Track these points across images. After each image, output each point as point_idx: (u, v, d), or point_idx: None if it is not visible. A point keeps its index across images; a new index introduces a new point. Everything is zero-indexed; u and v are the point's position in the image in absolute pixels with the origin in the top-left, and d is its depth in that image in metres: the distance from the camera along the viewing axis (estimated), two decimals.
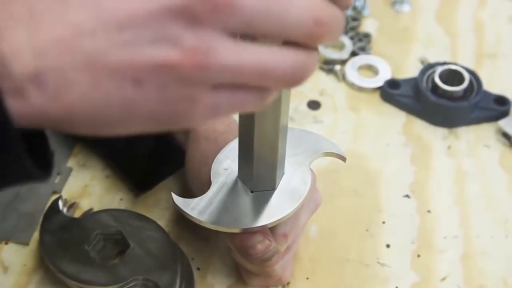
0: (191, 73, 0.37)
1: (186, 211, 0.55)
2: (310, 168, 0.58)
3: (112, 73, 0.36)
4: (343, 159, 0.60)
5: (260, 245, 0.56)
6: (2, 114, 0.35)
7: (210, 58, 0.37)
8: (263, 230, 0.56)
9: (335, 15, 0.40)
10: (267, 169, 0.55)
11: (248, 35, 0.38)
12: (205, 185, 0.57)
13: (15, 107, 0.36)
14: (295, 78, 0.39)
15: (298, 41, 0.39)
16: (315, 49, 0.40)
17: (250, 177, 0.56)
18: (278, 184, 0.57)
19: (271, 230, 0.57)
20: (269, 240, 0.56)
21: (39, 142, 0.40)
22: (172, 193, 0.56)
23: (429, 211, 0.71)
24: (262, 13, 0.37)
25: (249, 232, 0.55)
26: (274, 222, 0.55)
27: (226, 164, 0.58)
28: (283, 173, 0.57)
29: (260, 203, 0.56)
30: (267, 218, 0.55)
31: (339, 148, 0.60)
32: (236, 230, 0.55)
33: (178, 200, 0.56)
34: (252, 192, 0.56)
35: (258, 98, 0.40)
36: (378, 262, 0.67)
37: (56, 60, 0.36)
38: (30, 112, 0.36)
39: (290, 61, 0.39)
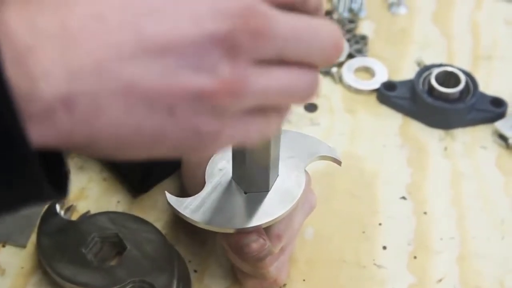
0: (224, 102, 0.37)
1: (179, 210, 0.55)
2: (305, 171, 0.59)
3: (147, 100, 0.35)
4: (339, 163, 0.60)
5: (255, 244, 0.56)
6: (21, 141, 0.33)
7: (243, 87, 0.37)
8: (257, 229, 0.56)
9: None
10: (260, 171, 0.55)
11: (276, 60, 0.39)
12: (200, 186, 0.58)
13: (39, 130, 0.34)
14: (311, 94, 0.41)
15: (316, 64, 0.41)
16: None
17: (243, 178, 0.56)
18: (272, 186, 0.57)
19: (265, 231, 0.57)
20: (263, 239, 0.56)
21: (56, 159, 0.38)
22: (166, 192, 0.56)
23: (425, 213, 0.71)
24: (294, 41, 0.39)
25: (244, 232, 0.56)
26: (268, 223, 0.55)
27: (221, 165, 0.58)
28: (277, 175, 0.57)
29: (253, 204, 0.56)
30: (260, 218, 0.55)
31: (334, 151, 0.61)
32: (229, 230, 0.56)
33: (172, 199, 0.56)
34: (245, 193, 0.57)
35: (275, 120, 0.41)
36: (375, 264, 0.67)
37: (91, 84, 0.34)
38: (54, 136, 0.35)
39: (307, 79, 0.41)
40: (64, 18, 0.34)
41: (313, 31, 0.40)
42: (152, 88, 0.35)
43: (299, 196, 0.57)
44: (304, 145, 0.60)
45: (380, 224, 0.70)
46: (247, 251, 0.56)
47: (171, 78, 0.35)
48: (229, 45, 0.36)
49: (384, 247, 0.68)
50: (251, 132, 0.40)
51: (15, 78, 0.33)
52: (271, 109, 0.41)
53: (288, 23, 0.38)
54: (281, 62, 0.39)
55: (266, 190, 0.56)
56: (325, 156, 0.60)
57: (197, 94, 0.36)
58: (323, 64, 0.42)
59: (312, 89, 0.41)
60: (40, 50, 0.33)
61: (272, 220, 0.56)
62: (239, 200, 0.56)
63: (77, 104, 0.34)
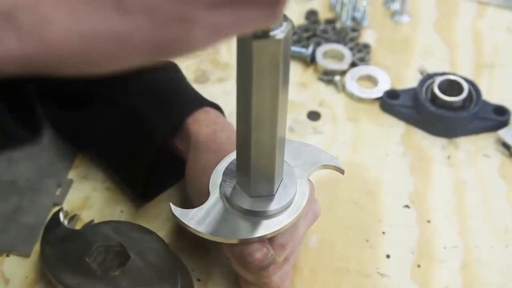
0: None
1: (184, 221, 0.55)
2: (309, 179, 0.59)
3: (89, 1, 0.34)
4: (341, 171, 0.61)
5: (258, 253, 0.56)
6: None
7: None
8: (261, 239, 0.56)
9: None
10: (265, 179, 0.55)
11: None
12: (204, 196, 0.58)
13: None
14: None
15: None
16: None
17: (247, 184, 0.56)
18: (277, 190, 0.57)
19: (269, 240, 0.57)
20: (267, 248, 0.56)
21: (26, 106, 0.37)
22: (170, 204, 0.56)
23: (428, 221, 0.71)
24: None
25: (248, 242, 0.56)
26: (272, 233, 0.56)
27: (224, 176, 0.58)
28: (282, 178, 0.57)
29: (258, 214, 0.56)
30: (264, 229, 0.55)
31: (337, 160, 0.61)
32: (233, 241, 0.56)
33: (176, 210, 0.56)
34: (250, 197, 0.57)
35: (265, 12, 0.37)
36: (378, 273, 0.67)
37: None
38: (6, 55, 0.34)
39: None
40: None
41: None
42: None
43: (303, 206, 0.57)
44: (307, 154, 0.60)
45: (383, 232, 0.70)
46: (250, 260, 0.56)
47: None
48: None
49: (388, 256, 0.68)
50: (231, 25, 0.36)
51: None
52: (254, 3, 0.37)
53: None
54: None
55: (271, 194, 0.56)
56: (328, 165, 0.60)
57: None
58: None
59: None
60: None
61: (276, 231, 0.56)
62: (243, 210, 0.56)
63: (19, 18, 0.33)
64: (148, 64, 0.37)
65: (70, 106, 0.70)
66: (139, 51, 0.35)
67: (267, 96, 0.49)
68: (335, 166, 0.60)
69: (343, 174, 0.61)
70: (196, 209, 0.56)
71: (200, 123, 0.65)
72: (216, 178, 0.58)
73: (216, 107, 0.68)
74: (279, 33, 0.45)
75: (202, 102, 0.67)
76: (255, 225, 0.55)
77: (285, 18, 0.46)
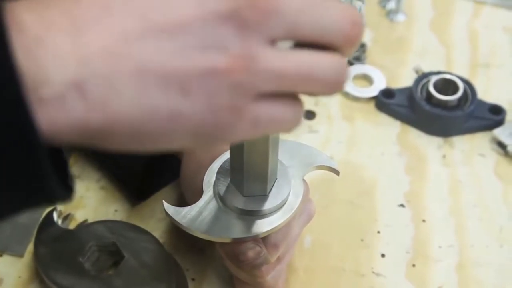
0: (239, 78, 0.36)
1: (177, 219, 0.55)
2: (304, 180, 0.58)
3: (160, 81, 0.35)
4: (337, 172, 0.60)
5: (251, 252, 0.56)
6: (29, 126, 0.33)
7: (257, 63, 0.37)
8: (254, 238, 0.56)
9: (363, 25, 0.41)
10: (258, 178, 0.55)
11: (290, 39, 0.39)
12: (198, 195, 0.57)
13: (50, 116, 0.34)
14: (337, 82, 0.40)
15: (336, 45, 0.40)
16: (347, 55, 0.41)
17: (241, 183, 0.56)
18: (270, 189, 0.56)
19: (262, 240, 0.57)
20: (260, 247, 0.56)
21: (60, 163, 0.37)
22: (163, 201, 0.56)
23: (424, 221, 0.71)
24: (305, 16, 0.38)
25: (241, 241, 0.56)
26: (265, 232, 0.55)
27: (218, 174, 0.58)
28: (276, 178, 0.57)
29: (251, 213, 0.56)
30: (257, 228, 0.55)
31: (332, 161, 0.60)
32: (226, 240, 0.56)
33: (169, 208, 0.56)
34: (243, 196, 0.56)
35: (296, 111, 0.40)
36: (373, 272, 0.67)
37: (101, 68, 0.34)
38: (68, 123, 0.35)
39: (330, 64, 0.39)
40: (71, 9, 0.35)
41: (324, 6, 0.39)
42: (163, 67, 0.35)
43: (296, 206, 0.57)
44: (302, 154, 0.60)
45: (378, 232, 0.70)
46: (243, 259, 0.56)
47: (181, 57, 0.35)
48: (236, 22, 0.36)
49: (383, 255, 0.68)
50: (271, 118, 0.39)
51: (25, 65, 0.33)
52: (292, 97, 0.39)
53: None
54: (299, 45, 0.39)
55: (265, 193, 0.56)
56: (323, 166, 0.60)
57: (209, 71, 0.36)
58: (344, 45, 0.40)
59: (340, 74, 0.40)
60: (50, 39, 0.34)
61: (269, 230, 0.55)
62: (237, 209, 0.56)
63: (89, 88, 0.34)
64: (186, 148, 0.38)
65: None
66: (186, 132, 0.37)
67: None
68: (330, 167, 0.60)
69: (338, 176, 0.60)
70: (189, 207, 0.56)
71: None
72: (210, 176, 0.58)
73: None
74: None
75: None
76: (248, 224, 0.55)
77: None
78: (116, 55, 0.35)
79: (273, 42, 0.38)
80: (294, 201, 0.57)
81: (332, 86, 0.40)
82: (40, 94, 0.33)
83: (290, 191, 0.57)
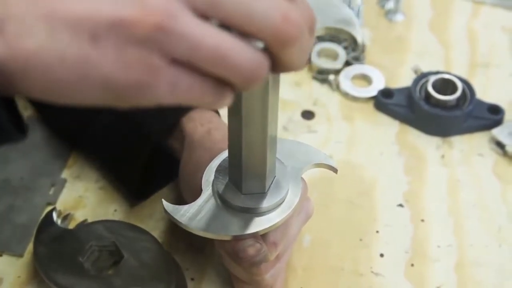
0: (147, 33, 0.36)
1: (176, 217, 0.55)
2: (302, 178, 0.59)
3: (69, 25, 0.36)
4: (335, 170, 0.60)
5: (251, 249, 0.56)
6: None
7: (169, 22, 0.36)
8: (253, 235, 0.56)
9: (303, 24, 0.39)
10: (256, 176, 0.55)
11: (213, 16, 0.38)
12: (197, 193, 0.58)
13: None
14: (251, 75, 0.38)
15: (263, 38, 0.38)
16: (278, 57, 0.39)
17: (239, 181, 0.56)
18: (269, 187, 0.57)
19: (261, 238, 0.57)
20: (260, 244, 0.56)
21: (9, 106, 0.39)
22: (162, 200, 0.56)
23: (423, 220, 0.71)
24: None
25: (240, 239, 0.56)
26: (263, 230, 0.55)
27: (217, 172, 0.58)
28: (274, 176, 0.57)
29: (250, 211, 0.56)
30: (256, 226, 0.55)
31: (331, 160, 0.61)
32: (226, 238, 0.56)
33: (168, 206, 0.56)
34: (242, 194, 0.56)
35: (217, 92, 0.39)
36: (372, 272, 0.67)
37: (17, 9, 0.36)
38: None
39: (250, 54, 0.38)
40: None
41: None
42: (75, 13, 0.36)
43: (295, 204, 0.57)
44: (300, 153, 0.60)
45: (377, 231, 0.70)
46: (242, 256, 0.56)
47: (93, 5, 0.36)
48: None
49: (382, 255, 0.68)
50: (189, 88, 0.38)
51: None
52: (210, 78, 0.38)
53: None
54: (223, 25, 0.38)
55: (263, 191, 0.56)
56: (321, 164, 0.60)
57: (118, 22, 0.36)
58: (273, 41, 0.38)
59: (256, 68, 0.38)
60: None
61: (268, 228, 0.56)
62: (235, 206, 0.56)
63: (6, 27, 0.36)
64: (110, 106, 0.38)
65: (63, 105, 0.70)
66: (97, 84, 0.37)
67: (257, 93, 0.49)
68: (328, 165, 0.60)
69: (337, 173, 0.61)
70: (188, 205, 0.56)
71: (195, 122, 0.65)
72: (209, 175, 0.58)
73: None
74: None
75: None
76: (247, 222, 0.55)
77: None
78: None
79: (195, 12, 0.37)
80: (292, 199, 0.57)
81: (245, 77, 0.38)
82: None
83: (288, 189, 0.57)
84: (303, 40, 0.39)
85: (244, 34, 0.38)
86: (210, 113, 0.66)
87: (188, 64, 0.38)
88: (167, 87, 0.37)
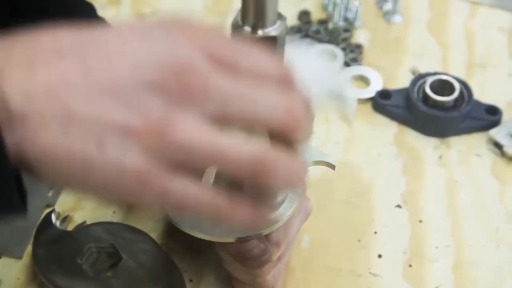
0: (150, 142, 0.39)
1: (179, 223, 0.55)
2: None
3: (81, 127, 0.39)
4: (332, 167, 0.60)
5: (257, 249, 0.56)
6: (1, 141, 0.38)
7: (170, 132, 0.39)
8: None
9: (304, 114, 0.42)
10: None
11: (223, 120, 0.40)
12: None
13: (7, 138, 0.38)
14: (255, 171, 0.40)
15: (274, 130, 0.41)
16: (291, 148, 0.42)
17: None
18: None
19: (265, 238, 0.57)
20: (264, 244, 0.56)
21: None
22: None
23: (420, 221, 0.72)
24: (235, 99, 0.40)
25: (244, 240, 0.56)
26: (267, 230, 0.55)
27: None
28: None
29: None
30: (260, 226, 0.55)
31: (327, 156, 0.60)
32: (230, 240, 0.56)
33: (171, 212, 0.56)
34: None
35: (213, 200, 0.41)
36: (370, 273, 0.67)
37: (40, 105, 0.38)
38: (15, 146, 0.38)
39: (250, 151, 0.40)
40: (32, 52, 0.39)
41: (259, 91, 0.41)
42: (86, 115, 0.39)
43: (297, 202, 0.56)
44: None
45: (375, 232, 0.70)
46: (248, 257, 0.56)
47: (104, 111, 0.39)
48: (164, 92, 0.39)
49: (380, 256, 0.69)
50: (182, 195, 0.40)
51: None
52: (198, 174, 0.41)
53: (228, 83, 0.40)
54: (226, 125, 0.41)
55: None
56: (319, 161, 0.60)
57: (125, 130, 0.39)
58: (281, 131, 0.41)
59: (256, 163, 0.40)
60: (10, 74, 0.39)
61: (271, 228, 0.55)
62: None
63: (28, 120, 0.38)
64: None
65: None
66: (100, 184, 0.40)
67: None
68: (326, 162, 0.60)
69: (334, 170, 0.61)
70: None
71: None
72: (209, 177, 0.58)
73: None
74: (272, 30, 0.45)
75: None
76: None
77: (280, 17, 0.46)
78: (53, 97, 0.39)
79: (208, 118, 0.40)
80: (293, 198, 0.57)
81: (248, 173, 0.40)
82: (1, 114, 0.38)
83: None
84: (304, 125, 0.42)
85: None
86: None
87: (185, 173, 0.40)
88: (158, 193, 0.40)
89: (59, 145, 0.39)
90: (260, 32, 0.46)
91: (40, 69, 0.39)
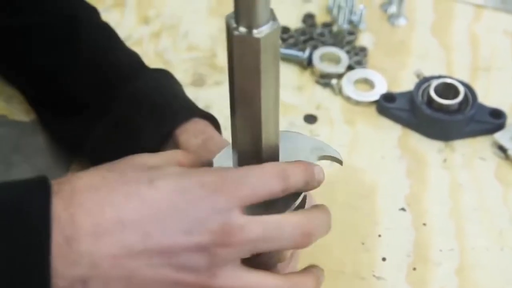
0: None
1: None
2: None
3: (141, 286, 0.45)
4: (340, 162, 0.59)
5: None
6: None
7: (213, 281, 0.46)
8: None
9: (321, 224, 0.52)
10: None
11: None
12: None
13: None
14: None
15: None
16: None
17: None
18: None
19: None
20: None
21: None
22: None
23: (424, 224, 0.72)
24: (263, 240, 0.47)
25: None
26: None
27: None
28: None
29: (259, 205, 0.55)
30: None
31: (335, 151, 0.58)
32: None
33: None
34: None
35: None
36: (374, 275, 0.67)
37: (105, 271, 0.44)
38: None
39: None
40: (97, 219, 0.45)
41: (280, 227, 0.48)
42: (145, 278, 0.45)
43: (303, 194, 0.56)
44: (304, 145, 0.58)
45: (379, 235, 0.70)
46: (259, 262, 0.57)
47: (159, 272, 0.45)
48: (209, 252, 0.46)
49: (384, 259, 0.69)
50: None
51: (57, 259, 0.44)
52: None
53: (259, 226, 0.47)
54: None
55: None
56: (327, 156, 0.59)
57: (177, 284, 0.46)
58: (293, 249, 0.52)
59: None
60: (76, 241, 0.44)
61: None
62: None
63: (91, 284, 0.44)
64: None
65: (64, 113, 0.71)
66: None
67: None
68: (333, 157, 0.59)
69: (342, 165, 0.60)
70: None
71: (188, 134, 0.65)
72: None
73: (208, 116, 0.68)
74: (265, 29, 0.45)
75: (192, 113, 0.67)
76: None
77: (273, 18, 0.46)
78: (117, 263, 0.45)
79: (240, 260, 0.48)
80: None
81: None
82: (61, 283, 0.44)
83: None
84: (321, 235, 0.52)
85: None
86: (204, 124, 0.66)
87: None
88: None
89: None
90: (254, 32, 0.45)
91: (105, 237, 0.45)
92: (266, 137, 0.52)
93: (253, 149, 0.54)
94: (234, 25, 0.46)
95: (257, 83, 0.48)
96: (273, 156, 0.54)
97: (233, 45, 0.46)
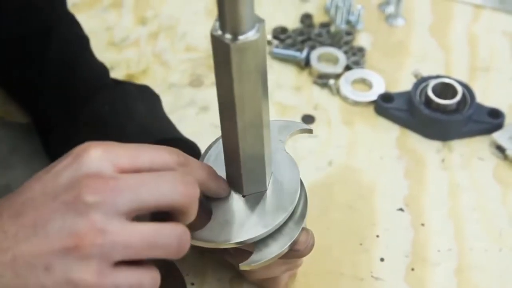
0: (89, 250, 0.44)
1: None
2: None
3: (28, 264, 0.44)
4: (310, 131, 0.60)
5: (303, 236, 0.57)
6: None
7: (103, 237, 0.44)
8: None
9: (198, 191, 0.48)
10: (256, 172, 0.54)
11: (137, 210, 0.46)
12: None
13: None
14: (180, 247, 0.47)
15: (178, 207, 0.47)
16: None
17: (239, 183, 0.55)
18: (269, 183, 0.56)
19: None
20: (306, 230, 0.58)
21: None
22: None
23: (423, 225, 0.71)
24: (143, 188, 0.45)
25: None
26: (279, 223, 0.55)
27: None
28: (271, 172, 0.57)
29: (255, 210, 0.55)
30: (270, 220, 0.54)
31: (302, 124, 0.60)
32: (232, 245, 0.55)
33: None
34: (243, 196, 0.56)
35: (152, 277, 0.47)
36: (372, 276, 0.67)
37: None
38: None
39: (172, 231, 0.47)
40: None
41: (159, 176, 0.47)
42: (30, 253, 0.44)
43: (299, 188, 0.56)
44: (271, 127, 0.58)
45: (377, 236, 0.70)
46: (297, 248, 0.57)
47: (45, 241, 0.44)
48: (80, 205, 0.44)
49: (382, 259, 0.68)
50: (130, 284, 0.45)
51: None
52: (147, 264, 0.47)
53: (133, 179, 0.46)
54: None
55: (264, 189, 0.56)
56: (296, 131, 0.60)
57: (64, 249, 0.44)
58: (182, 207, 0.47)
59: (182, 240, 0.47)
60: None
61: (284, 218, 0.55)
62: (241, 210, 0.55)
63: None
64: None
65: (42, 128, 0.73)
66: None
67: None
68: (303, 129, 0.60)
69: (312, 133, 0.60)
70: None
71: None
72: None
73: (183, 141, 0.68)
74: (251, 35, 0.45)
75: (147, 137, 0.66)
76: (255, 223, 0.54)
77: (258, 19, 0.46)
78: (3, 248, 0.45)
79: (122, 215, 0.45)
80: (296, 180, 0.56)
81: (175, 251, 0.47)
82: None
83: (286, 171, 0.57)
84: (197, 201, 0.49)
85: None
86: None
87: (127, 264, 0.45)
88: None
89: (15, 285, 0.44)
90: (240, 38, 0.45)
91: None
92: (244, 148, 0.52)
93: (234, 158, 0.54)
94: (217, 27, 0.46)
95: (230, 90, 0.48)
96: (256, 168, 0.55)
97: (212, 47, 0.46)
